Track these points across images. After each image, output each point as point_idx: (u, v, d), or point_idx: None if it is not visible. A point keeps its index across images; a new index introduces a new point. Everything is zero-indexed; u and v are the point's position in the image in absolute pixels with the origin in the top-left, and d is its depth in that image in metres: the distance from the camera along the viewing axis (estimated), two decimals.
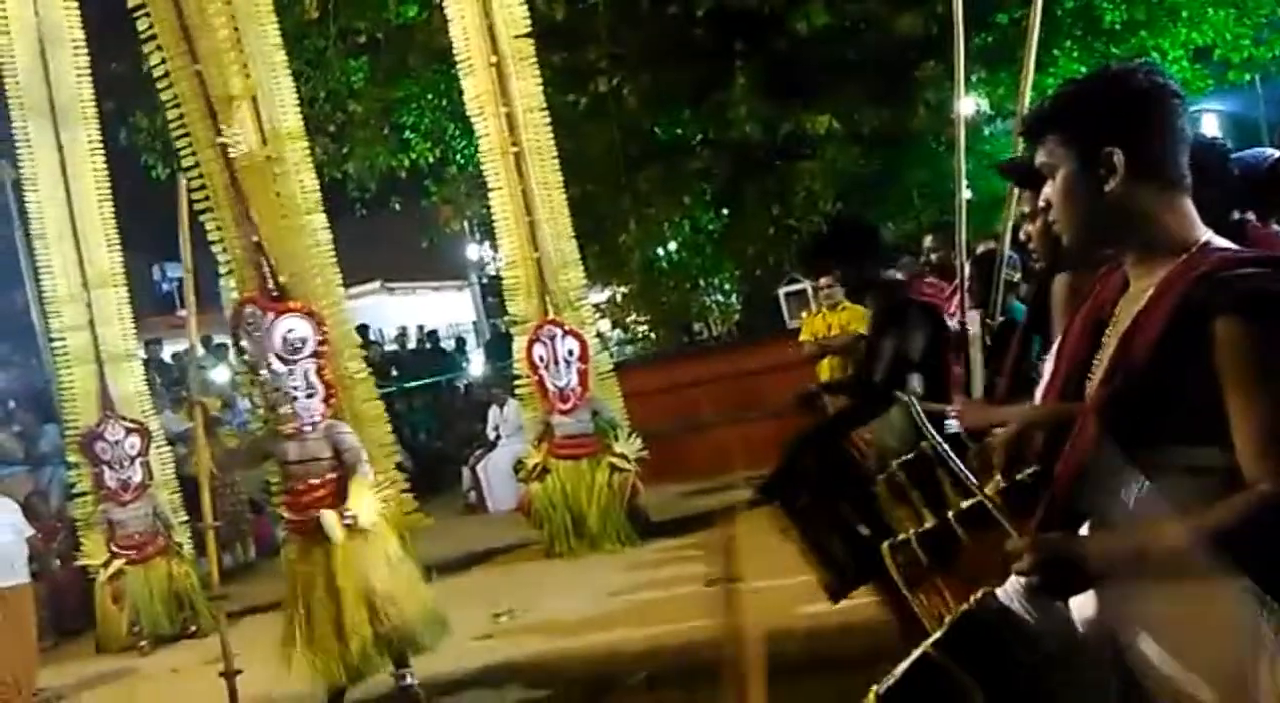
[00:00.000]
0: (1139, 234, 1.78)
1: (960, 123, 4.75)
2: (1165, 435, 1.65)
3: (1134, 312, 1.75)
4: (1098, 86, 1.84)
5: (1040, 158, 1.87)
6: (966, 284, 4.10)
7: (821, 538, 2.93)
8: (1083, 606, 1.79)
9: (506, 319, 9.28)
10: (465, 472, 11.82)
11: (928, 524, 2.23)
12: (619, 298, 14.61)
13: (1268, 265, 1.66)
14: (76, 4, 8.07)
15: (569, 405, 8.29)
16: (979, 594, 1.81)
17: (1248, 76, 13.36)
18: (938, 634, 1.78)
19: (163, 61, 7.03)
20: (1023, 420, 2.18)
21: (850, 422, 4.00)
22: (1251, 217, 3.41)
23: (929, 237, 7.23)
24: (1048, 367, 2.60)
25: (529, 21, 8.47)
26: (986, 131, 13.02)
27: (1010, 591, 1.88)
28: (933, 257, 6.80)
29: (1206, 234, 1.77)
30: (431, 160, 14.58)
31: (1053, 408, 2.15)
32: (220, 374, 12.87)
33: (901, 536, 2.36)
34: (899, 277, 4.88)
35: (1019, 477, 2.04)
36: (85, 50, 8.10)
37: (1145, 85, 1.78)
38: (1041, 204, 1.90)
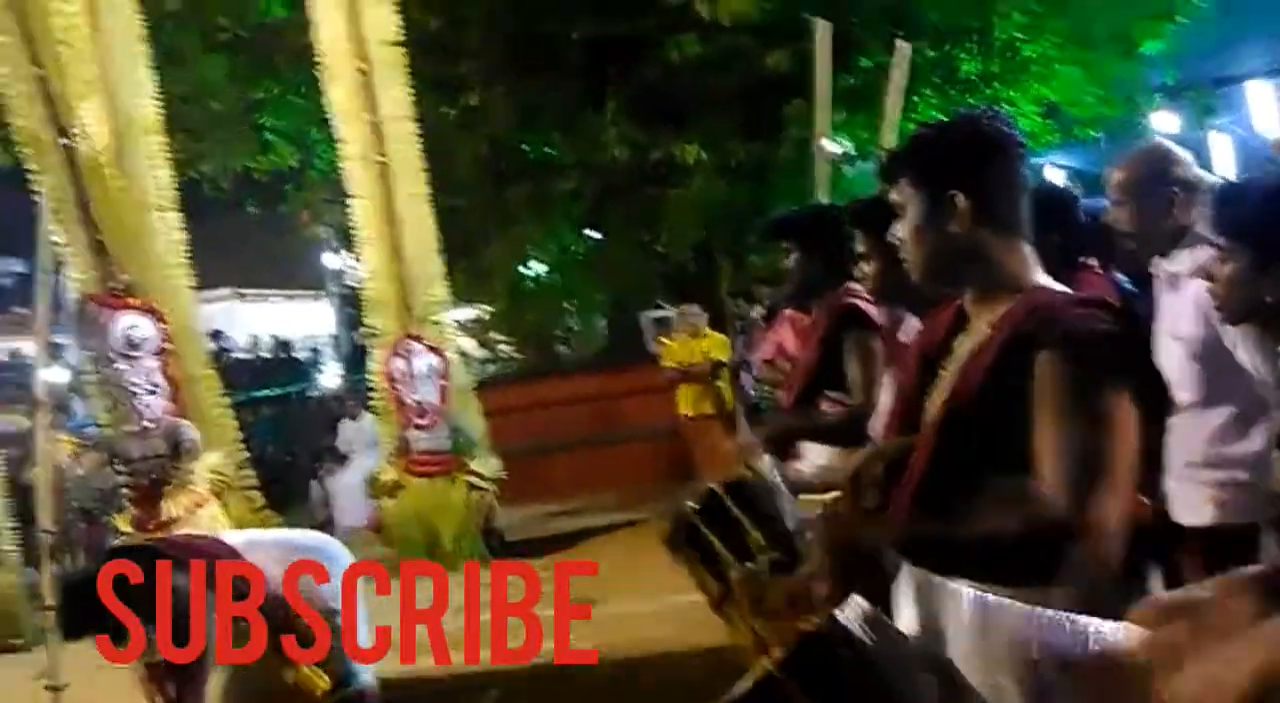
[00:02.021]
0: (979, 273, 1.88)
1: (821, 160, 4.92)
2: (993, 464, 1.73)
3: (971, 345, 1.84)
4: (948, 133, 1.94)
5: (893, 197, 1.96)
6: None
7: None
8: (910, 624, 1.86)
9: (364, 331, 9.12)
10: (315, 486, 11.54)
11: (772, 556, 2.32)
12: (483, 316, 14.51)
13: (1091, 306, 1.77)
14: None
15: (426, 422, 8.18)
16: (820, 615, 1.86)
17: (1095, 134, 14.11)
18: (779, 653, 1.82)
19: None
20: (866, 455, 2.27)
21: None
22: (1094, 261, 3.63)
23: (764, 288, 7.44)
24: (886, 399, 2.72)
25: (400, 29, 8.35)
26: (847, 171, 13.42)
27: (849, 613, 1.94)
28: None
29: (1041, 276, 1.87)
30: (293, 165, 14.22)
31: (894, 441, 2.25)
32: (57, 375, 12.29)
33: (750, 565, 2.44)
34: None
35: (860, 505, 2.12)
36: None
37: (991, 134, 1.88)
38: (893, 240, 1.99)
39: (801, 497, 3.21)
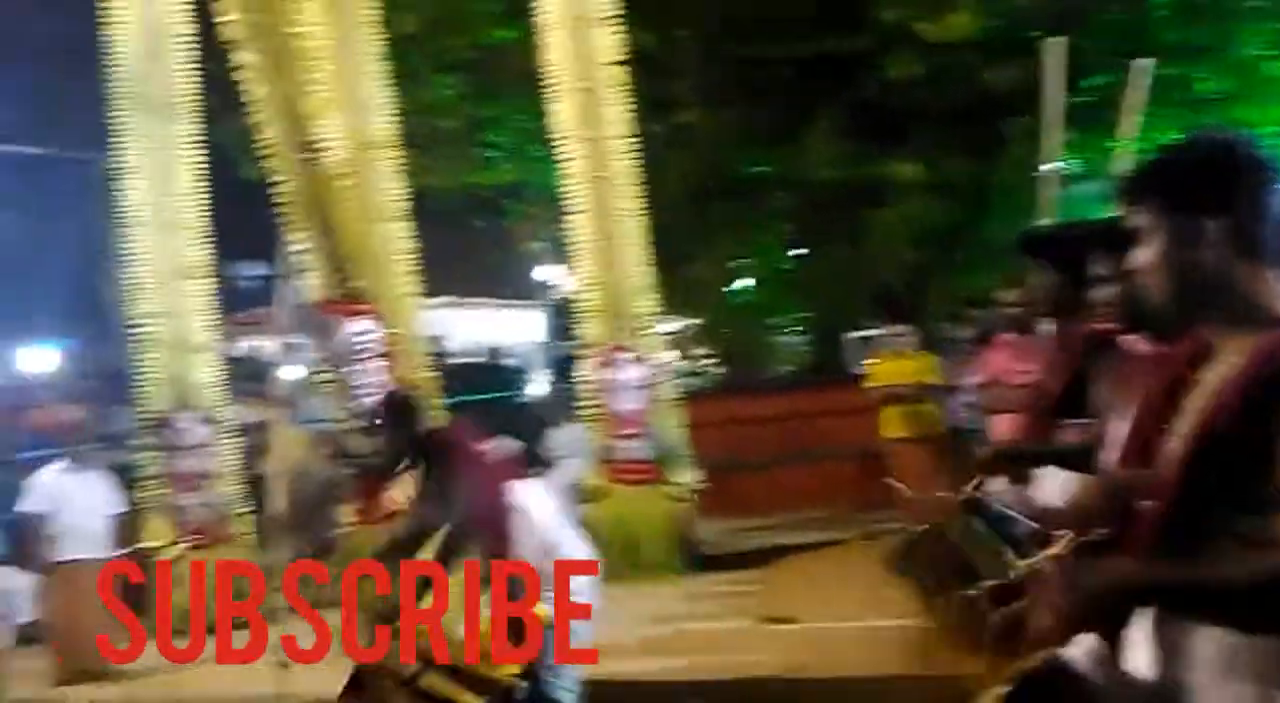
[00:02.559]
0: (1227, 303, 1.79)
1: (1048, 181, 4.75)
2: (1240, 504, 1.65)
3: (1218, 380, 1.75)
4: (1194, 155, 1.84)
5: (1135, 222, 1.88)
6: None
7: None
8: (1143, 665, 1.78)
9: (574, 341, 9.36)
10: None
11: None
12: (689, 330, 14.66)
13: None
14: None
15: (631, 431, 8.34)
16: (1045, 650, 1.81)
17: None
18: (1001, 688, 1.78)
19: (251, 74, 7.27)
20: (1095, 488, 2.18)
21: None
22: None
23: (1009, 292, 7.13)
24: (1117, 429, 2.59)
25: (620, 49, 8.57)
26: (1072, 192, 12.88)
27: (1077, 651, 1.88)
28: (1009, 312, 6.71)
29: None
30: (512, 180, 14.75)
31: (1126, 474, 2.15)
32: (292, 373, 13.11)
33: (972, 592, 2.39)
34: None
35: (1089, 537, 2.05)
36: (194, 45, 8.27)
37: (1241, 157, 1.78)
38: (1132, 267, 1.91)
39: (1033, 525, 3.11)
